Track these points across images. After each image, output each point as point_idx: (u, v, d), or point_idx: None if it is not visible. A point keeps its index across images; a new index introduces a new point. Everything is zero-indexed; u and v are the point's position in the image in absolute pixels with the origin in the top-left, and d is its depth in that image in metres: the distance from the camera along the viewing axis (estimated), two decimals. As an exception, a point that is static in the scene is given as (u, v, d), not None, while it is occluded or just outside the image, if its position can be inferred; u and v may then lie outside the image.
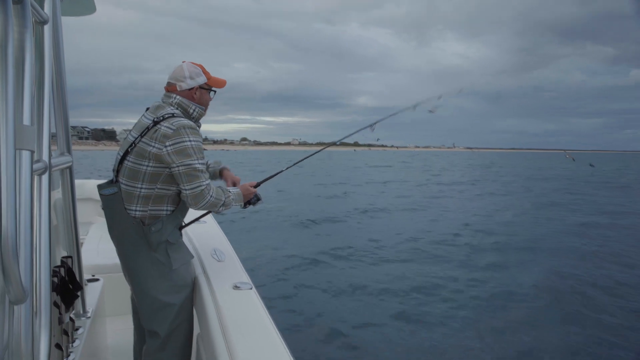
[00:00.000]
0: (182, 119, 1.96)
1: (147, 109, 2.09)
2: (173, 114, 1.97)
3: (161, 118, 1.94)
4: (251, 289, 1.99)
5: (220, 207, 2.02)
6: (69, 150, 1.74)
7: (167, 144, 1.89)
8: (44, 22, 1.28)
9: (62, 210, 1.79)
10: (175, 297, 2.04)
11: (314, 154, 2.87)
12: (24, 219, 0.89)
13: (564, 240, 10.09)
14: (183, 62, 2.11)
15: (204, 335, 1.87)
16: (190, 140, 1.91)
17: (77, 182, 1.93)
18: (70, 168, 1.75)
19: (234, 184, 2.31)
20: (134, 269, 2.03)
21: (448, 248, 9.23)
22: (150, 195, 1.96)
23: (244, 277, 2.14)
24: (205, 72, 2.13)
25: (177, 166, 1.89)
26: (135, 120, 2.11)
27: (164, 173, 1.94)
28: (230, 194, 2.07)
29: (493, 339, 4.95)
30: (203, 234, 2.85)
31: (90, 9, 2.05)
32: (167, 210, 2.01)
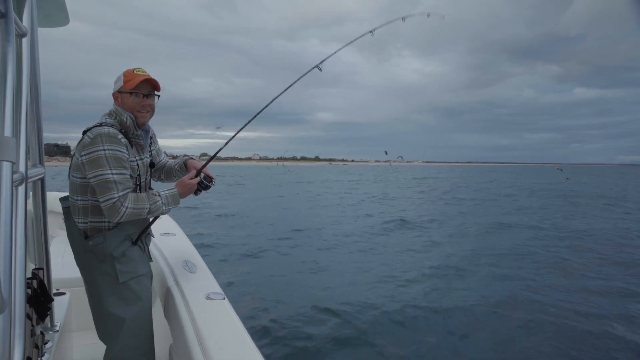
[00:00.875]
0: (104, 127, 1.88)
1: None
2: (101, 122, 1.92)
3: (89, 128, 1.91)
4: (224, 299, 1.99)
5: (148, 214, 1.94)
6: (41, 162, 1.73)
7: (83, 153, 1.85)
8: (23, 35, 1.31)
9: (33, 222, 1.77)
10: (125, 310, 1.95)
11: (234, 135, 2.49)
12: (4, 229, 0.90)
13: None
14: None
15: (178, 346, 1.86)
16: (104, 150, 1.82)
17: None
18: (42, 180, 1.75)
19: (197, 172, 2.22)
20: (86, 280, 2.00)
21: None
22: (87, 207, 1.93)
23: (216, 288, 2.14)
24: (126, 75, 2.02)
25: (91, 177, 1.83)
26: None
27: (90, 184, 1.88)
28: (158, 198, 1.98)
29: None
30: (173, 246, 2.83)
31: (64, 20, 2.05)
32: (109, 222, 1.94)
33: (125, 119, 1.98)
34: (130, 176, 1.95)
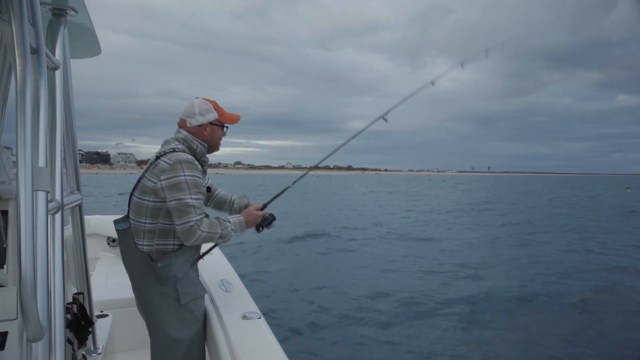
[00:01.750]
0: (181, 153, 1.95)
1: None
2: (174, 149, 1.98)
3: (162, 153, 1.96)
4: (260, 318, 1.99)
5: (218, 239, 2.00)
6: (78, 188, 1.79)
7: (162, 178, 1.90)
8: (56, 68, 1.37)
9: (72, 247, 1.83)
10: (185, 332, 2.01)
11: (307, 172, 2.70)
12: (41, 257, 0.92)
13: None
14: (196, 98, 2.13)
15: None
16: (185, 175, 1.90)
17: None
18: (80, 205, 1.80)
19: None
20: (145, 302, 2.03)
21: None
22: (155, 230, 1.97)
23: (252, 307, 2.14)
24: (217, 108, 2.12)
25: (170, 201, 1.89)
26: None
27: (164, 208, 1.93)
28: (228, 224, 2.03)
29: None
30: (209, 265, 2.87)
31: (96, 51, 2.12)
32: (174, 245, 1.99)
33: (195, 147, 2.06)
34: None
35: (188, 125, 2.07)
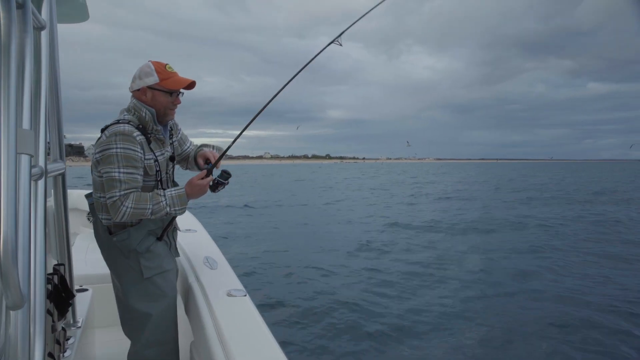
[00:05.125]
0: (120, 125, 1.92)
1: None
2: (119, 120, 1.97)
3: (106, 126, 1.96)
4: (245, 295, 2.03)
5: (151, 215, 1.95)
6: (62, 158, 1.77)
7: (97, 151, 1.91)
8: (42, 27, 1.33)
9: (54, 218, 1.82)
10: (151, 306, 2.02)
11: (242, 131, 2.37)
12: (23, 223, 0.90)
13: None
14: (148, 61, 2.04)
15: (198, 344, 1.92)
16: (117, 148, 1.87)
17: None
18: (63, 175, 1.80)
19: (206, 161, 2.24)
20: (113, 274, 2.10)
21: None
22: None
23: (237, 284, 2.18)
24: (161, 72, 2.00)
25: (102, 174, 1.90)
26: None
27: None
28: (162, 199, 1.97)
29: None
30: (194, 242, 2.91)
31: (83, 16, 2.10)
32: None
33: (144, 114, 2.00)
34: (147, 174, 2.00)
35: (130, 90, 2.05)
